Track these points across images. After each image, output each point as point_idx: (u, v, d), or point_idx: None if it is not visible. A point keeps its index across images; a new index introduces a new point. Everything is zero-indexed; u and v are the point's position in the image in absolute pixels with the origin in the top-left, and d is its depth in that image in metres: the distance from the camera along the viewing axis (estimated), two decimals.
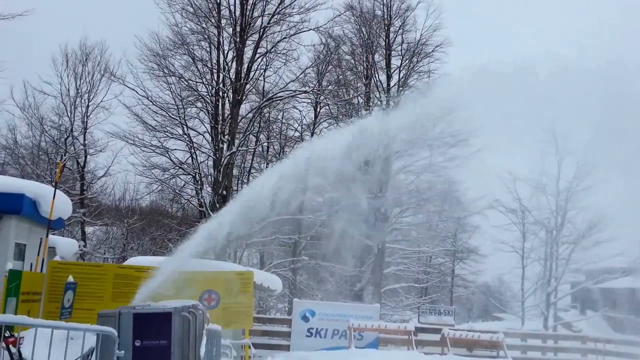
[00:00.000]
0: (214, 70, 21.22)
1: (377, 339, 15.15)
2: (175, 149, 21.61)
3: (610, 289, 45.37)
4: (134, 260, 10.32)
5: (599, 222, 27.34)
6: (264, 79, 23.18)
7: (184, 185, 22.86)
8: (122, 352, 4.89)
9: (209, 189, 20.63)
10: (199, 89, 21.30)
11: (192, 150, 21.14)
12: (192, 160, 21.39)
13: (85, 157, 25.08)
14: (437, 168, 25.55)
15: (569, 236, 28.14)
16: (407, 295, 28.47)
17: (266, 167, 23.69)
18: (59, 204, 9.46)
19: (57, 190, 9.39)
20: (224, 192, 18.13)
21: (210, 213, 19.21)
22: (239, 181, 22.53)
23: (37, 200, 8.98)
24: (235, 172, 21.57)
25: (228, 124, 19.71)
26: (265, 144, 24.85)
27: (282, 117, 26.01)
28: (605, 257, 27.64)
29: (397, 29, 27.01)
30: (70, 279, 8.29)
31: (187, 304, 6.54)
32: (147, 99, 20.74)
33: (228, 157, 18.29)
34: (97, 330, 4.89)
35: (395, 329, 15.13)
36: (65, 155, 23.81)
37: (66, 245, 12.15)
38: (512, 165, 27.87)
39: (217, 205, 18.38)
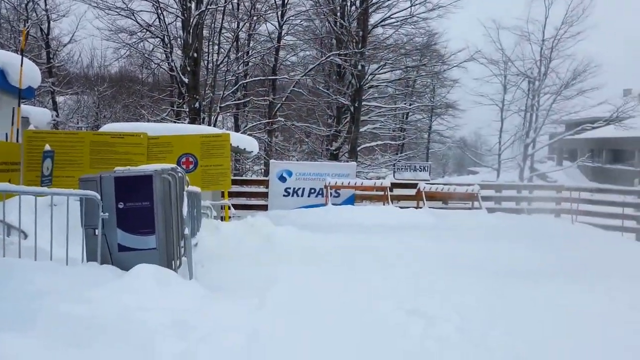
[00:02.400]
0: None
1: (353, 196, 15.91)
2: (142, 10, 20.87)
3: (588, 139, 47.09)
4: (109, 127, 10.49)
5: (584, 70, 27.77)
6: None
7: (153, 49, 22.40)
8: (107, 214, 5.28)
9: (179, 52, 20.23)
10: None
11: (159, 11, 20.41)
12: (160, 22, 20.74)
13: (49, 23, 24.43)
14: (417, 20, 25.31)
15: (551, 86, 28.66)
16: (383, 153, 29.30)
17: (237, 26, 23.08)
18: (28, 72, 9.41)
19: (24, 58, 9.28)
20: (195, 55, 17.80)
21: (182, 77, 19.08)
22: (210, 42, 22.03)
23: (4, 69, 8.90)
24: (205, 33, 21.00)
25: None
26: (236, 1, 23.97)
27: None
28: (588, 106, 28.38)
29: None
30: (47, 147, 8.53)
31: (166, 167, 6.89)
32: None
33: (197, 16, 17.69)
34: (80, 195, 5.23)
35: (371, 185, 15.80)
36: (27, 22, 22.96)
37: (39, 115, 12.22)
38: (497, 14, 27.60)
39: (188, 68, 18.14)
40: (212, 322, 4.35)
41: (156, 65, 22.94)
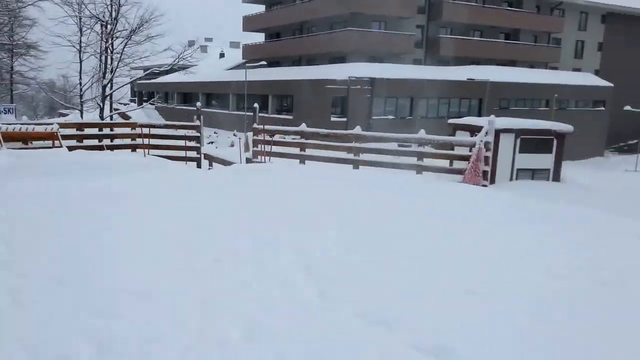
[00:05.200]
0: None
1: None
2: None
3: (165, 83, 50.55)
4: None
5: (150, 17, 29.56)
6: None
7: None
8: None
9: None
10: None
11: None
12: None
13: None
14: None
15: (122, 31, 29.60)
16: None
17: None
18: None
19: None
20: None
21: None
22: None
23: None
24: None
25: None
26: None
27: None
28: (156, 52, 30.39)
29: None
30: None
31: None
32: None
33: None
34: None
35: None
36: None
37: None
38: None
39: None
40: None
41: None
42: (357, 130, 15.60)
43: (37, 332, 3.42)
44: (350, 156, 15.19)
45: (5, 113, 16.85)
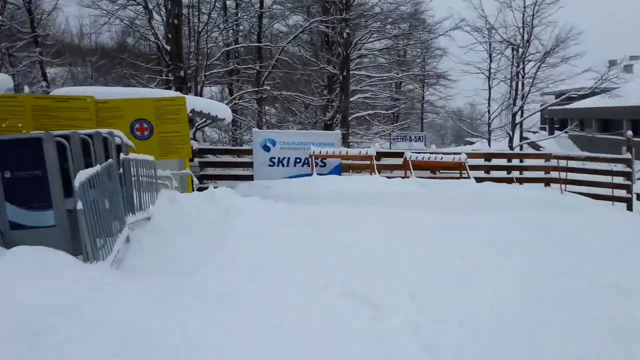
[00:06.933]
0: None
1: (339, 165, 14.70)
2: None
3: (579, 109, 45.66)
4: (58, 92, 9.18)
5: (567, 37, 26.26)
6: None
7: (137, 17, 20.85)
8: None
9: (161, 20, 18.73)
10: None
11: None
12: None
13: None
14: None
15: (535, 54, 27.08)
16: (376, 123, 27.99)
17: None
18: None
19: None
20: (175, 22, 16.29)
21: (164, 45, 17.65)
22: (191, 9, 20.43)
23: None
24: (186, 1, 19.41)
25: None
26: None
27: None
28: (573, 74, 26.84)
29: None
30: None
31: (103, 131, 5.65)
32: None
33: None
34: None
35: (356, 154, 14.62)
36: None
37: None
38: None
39: (169, 35, 16.69)
40: (82, 320, 3.10)
41: (140, 35, 21.42)
42: None
43: None
44: None
45: (415, 141, 16.91)
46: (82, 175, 3.96)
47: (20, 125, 7.74)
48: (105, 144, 5.59)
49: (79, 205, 3.88)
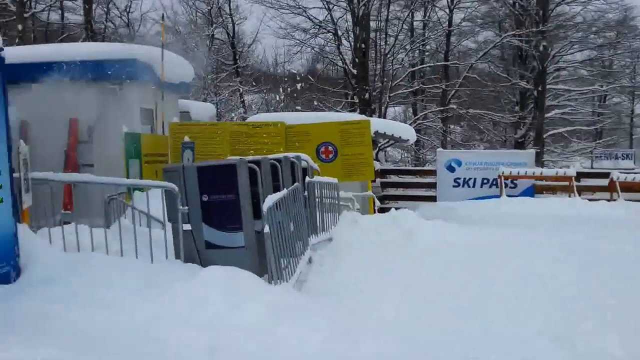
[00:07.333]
0: None
1: (532, 187, 13.63)
2: (313, 7, 20.62)
3: None
4: (254, 118, 9.95)
5: None
6: None
7: (326, 44, 22.01)
8: (186, 208, 4.41)
9: (349, 45, 19.50)
10: None
11: (328, 6, 19.91)
12: (330, 16, 20.27)
13: (233, 26, 25.33)
14: None
15: None
16: (575, 140, 25.55)
17: (409, 14, 21.61)
18: (177, 68, 9.17)
19: (174, 55, 9.06)
20: (362, 46, 16.80)
21: (351, 69, 18.26)
22: (378, 33, 20.90)
23: (151, 64, 8.68)
24: (373, 25, 19.93)
25: None
26: None
27: None
28: None
29: None
30: (186, 138, 8.14)
31: (290, 155, 5.94)
32: None
33: (363, 7, 16.68)
34: (159, 186, 4.44)
35: (552, 174, 13.36)
36: (212, 26, 24.22)
37: (201, 110, 12.12)
38: None
39: (357, 60, 17.23)
40: (267, 348, 3.16)
41: (330, 61, 22.49)
42: None
43: None
44: None
45: (623, 159, 15.05)
46: (269, 200, 4.14)
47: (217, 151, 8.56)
48: (292, 167, 5.83)
49: (266, 229, 4.05)
